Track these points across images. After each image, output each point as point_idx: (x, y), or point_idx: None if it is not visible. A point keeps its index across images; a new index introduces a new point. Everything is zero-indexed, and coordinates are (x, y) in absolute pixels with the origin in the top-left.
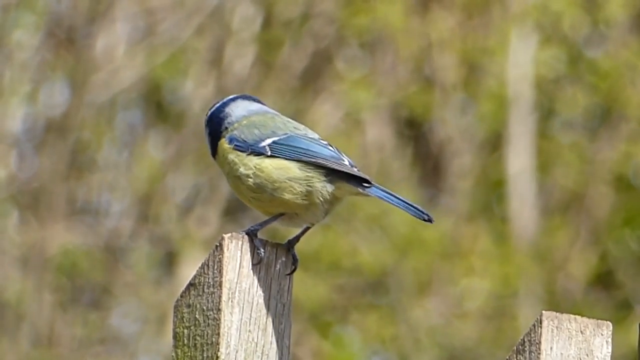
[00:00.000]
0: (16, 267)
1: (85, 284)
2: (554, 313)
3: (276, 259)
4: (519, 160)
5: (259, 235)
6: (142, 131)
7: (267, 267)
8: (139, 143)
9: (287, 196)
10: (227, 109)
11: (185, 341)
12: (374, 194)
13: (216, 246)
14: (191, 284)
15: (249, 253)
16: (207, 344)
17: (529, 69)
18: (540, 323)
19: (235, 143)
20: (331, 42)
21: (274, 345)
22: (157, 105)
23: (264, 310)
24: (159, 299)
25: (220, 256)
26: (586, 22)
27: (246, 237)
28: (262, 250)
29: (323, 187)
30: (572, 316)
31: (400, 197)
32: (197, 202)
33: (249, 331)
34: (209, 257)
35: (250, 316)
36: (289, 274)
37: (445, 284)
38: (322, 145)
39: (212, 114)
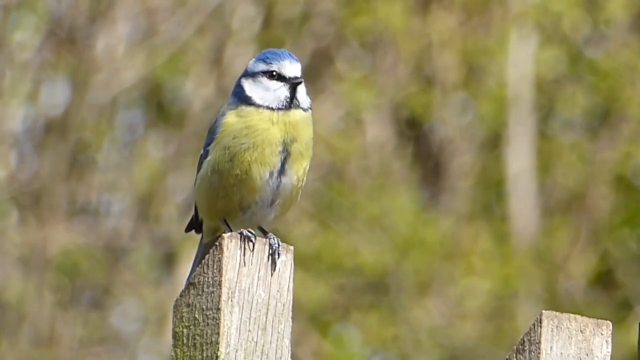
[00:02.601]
0: (17, 267)
1: (85, 284)
2: (554, 312)
3: (277, 258)
4: (519, 160)
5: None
6: (142, 131)
7: (266, 267)
8: (139, 143)
9: None
10: None
11: (185, 341)
12: None
13: (216, 246)
14: (191, 284)
15: (249, 252)
16: (207, 343)
17: (529, 69)
18: (540, 322)
19: None
20: (331, 42)
21: (274, 345)
22: (158, 105)
23: (264, 310)
24: (159, 299)
25: (220, 255)
26: (586, 22)
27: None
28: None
29: None
30: (572, 315)
31: None
32: None
33: (249, 331)
34: (209, 256)
35: (250, 316)
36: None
37: (445, 284)
38: None
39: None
